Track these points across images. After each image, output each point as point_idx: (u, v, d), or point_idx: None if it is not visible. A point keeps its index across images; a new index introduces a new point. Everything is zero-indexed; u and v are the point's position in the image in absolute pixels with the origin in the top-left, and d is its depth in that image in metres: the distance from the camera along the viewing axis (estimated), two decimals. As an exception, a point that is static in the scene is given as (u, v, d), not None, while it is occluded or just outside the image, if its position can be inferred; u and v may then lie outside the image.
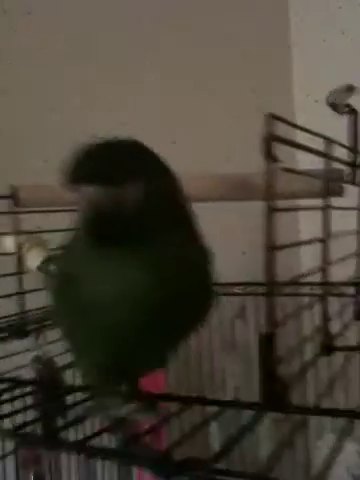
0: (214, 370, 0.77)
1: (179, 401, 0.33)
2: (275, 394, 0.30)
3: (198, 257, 0.33)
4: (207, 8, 1.05)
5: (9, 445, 0.66)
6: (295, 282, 0.38)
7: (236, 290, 0.80)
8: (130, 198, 0.28)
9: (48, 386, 0.50)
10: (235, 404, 0.31)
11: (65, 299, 0.33)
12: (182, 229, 0.32)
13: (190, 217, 0.33)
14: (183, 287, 0.31)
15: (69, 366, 0.48)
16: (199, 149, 1.02)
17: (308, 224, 1.06)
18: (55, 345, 0.59)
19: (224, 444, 0.24)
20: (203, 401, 0.32)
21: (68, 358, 0.46)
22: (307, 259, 1.05)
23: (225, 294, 0.80)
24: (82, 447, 0.28)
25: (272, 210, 0.29)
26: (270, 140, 0.28)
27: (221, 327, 0.80)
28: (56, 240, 0.56)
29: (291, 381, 0.31)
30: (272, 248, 0.28)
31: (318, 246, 0.41)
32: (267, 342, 0.30)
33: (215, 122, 1.06)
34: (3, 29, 0.77)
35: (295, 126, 0.30)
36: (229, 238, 1.04)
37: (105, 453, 0.28)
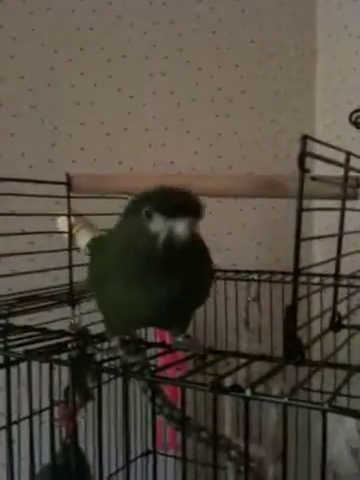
0: (228, 344, 0.86)
1: (214, 353, 0.42)
2: (294, 351, 0.39)
3: (205, 266, 0.44)
4: (236, 16, 1.13)
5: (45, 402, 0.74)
6: (306, 272, 0.47)
7: (253, 277, 0.89)
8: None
9: (82, 351, 0.58)
10: (262, 358, 0.39)
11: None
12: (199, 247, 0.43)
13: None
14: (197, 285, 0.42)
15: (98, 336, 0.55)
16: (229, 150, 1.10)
17: (321, 220, 1.15)
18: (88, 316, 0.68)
19: (258, 378, 0.33)
20: (235, 354, 0.41)
21: (98, 329, 0.55)
22: (317, 251, 1.14)
23: (243, 280, 0.89)
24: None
25: (301, 210, 0.37)
26: (304, 156, 0.36)
27: (238, 308, 0.90)
28: (102, 223, 0.66)
29: (306, 344, 0.40)
30: (301, 240, 0.37)
31: (329, 240, 0.50)
32: (291, 311, 0.39)
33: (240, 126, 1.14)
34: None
35: (326, 145, 0.38)
36: (248, 230, 1.13)
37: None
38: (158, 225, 0.39)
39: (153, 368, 0.39)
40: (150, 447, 0.96)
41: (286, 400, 0.30)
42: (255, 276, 0.89)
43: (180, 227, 0.38)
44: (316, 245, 1.15)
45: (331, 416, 0.32)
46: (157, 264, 0.39)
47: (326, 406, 0.28)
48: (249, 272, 0.91)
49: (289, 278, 0.88)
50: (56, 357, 0.42)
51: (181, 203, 0.39)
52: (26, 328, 0.55)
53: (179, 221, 0.38)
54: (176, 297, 0.40)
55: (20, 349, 0.46)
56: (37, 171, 0.84)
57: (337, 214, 0.49)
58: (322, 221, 1.14)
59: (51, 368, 0.41)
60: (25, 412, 0.59)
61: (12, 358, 0.43)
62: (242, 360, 0.41)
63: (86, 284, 0.51)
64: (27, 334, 0.52)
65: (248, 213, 1.12)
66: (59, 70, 0.88)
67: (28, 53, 0.85)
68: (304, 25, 1.24)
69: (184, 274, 0.40)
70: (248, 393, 0.31)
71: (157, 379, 0.35)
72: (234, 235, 1.11)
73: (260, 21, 1.15)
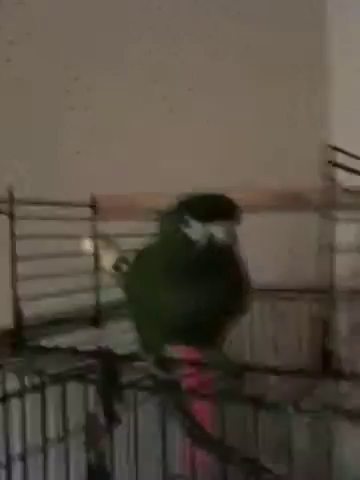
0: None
1: (250, 370, 0.41)
2: (331, 366, 0.38)
3: (239, 278, 0.44)
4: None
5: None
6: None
7: (280, 295, 0.88)
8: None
9: (108, 373, 0.58)
10: (299, 372, 0.38)
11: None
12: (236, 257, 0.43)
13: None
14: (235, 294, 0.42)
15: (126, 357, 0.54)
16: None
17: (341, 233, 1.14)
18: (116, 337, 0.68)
19: (298, 394, 0.32)
20: (271, 370, 0.40)
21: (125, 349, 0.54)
22: (340, 266, 1.13)
23: (269, 297, 0.88)
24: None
25: (332, 220, 0.37)
26: (331, 166, 0.36)
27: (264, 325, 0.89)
28: (128, 244, 0.65)
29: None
30: (332, 251, 0.36)
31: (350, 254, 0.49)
32: (327, 326, 0.38)
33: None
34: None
35: (353, 156, 0.38)
36: (268, 245, 1.12)
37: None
38: (197, 232, 0.39)
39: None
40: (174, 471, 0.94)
41: (331, 414, 0.29)
42: (281, 294, 0.88)
43: (219, 232, 0.38)
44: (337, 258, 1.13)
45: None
46: (196, 271, 0.40)
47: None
48: (275, 291, 0.90)
49: (315, 295, 0.87)
50: (92, 377, 0.42)
51: (218, 208, 0.39)
52: (55, 350, 0.55)
53: (217, 226, 0.38)
54: (214, 303, 0.40)
55: (51, 371, 0.45)
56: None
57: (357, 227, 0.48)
58: (342, 233, 1.13)
59: (86, 389, 0.41)
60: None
61: (46, 380, 0.43)
62: (274, 377, 0.40)
63: (123, 302, 0.51)
64: (55, 356, 0.52)
65: (266, 228, 1.11)
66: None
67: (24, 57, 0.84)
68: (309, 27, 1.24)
69: (222, 281, 0.40)
70: (290, 410, 0.31)
71: (197, 396, 0.34)
72: (254, 249, 1.09)
73: (256, 26, 1.15)
